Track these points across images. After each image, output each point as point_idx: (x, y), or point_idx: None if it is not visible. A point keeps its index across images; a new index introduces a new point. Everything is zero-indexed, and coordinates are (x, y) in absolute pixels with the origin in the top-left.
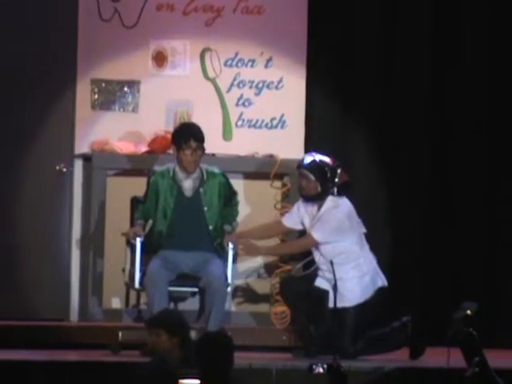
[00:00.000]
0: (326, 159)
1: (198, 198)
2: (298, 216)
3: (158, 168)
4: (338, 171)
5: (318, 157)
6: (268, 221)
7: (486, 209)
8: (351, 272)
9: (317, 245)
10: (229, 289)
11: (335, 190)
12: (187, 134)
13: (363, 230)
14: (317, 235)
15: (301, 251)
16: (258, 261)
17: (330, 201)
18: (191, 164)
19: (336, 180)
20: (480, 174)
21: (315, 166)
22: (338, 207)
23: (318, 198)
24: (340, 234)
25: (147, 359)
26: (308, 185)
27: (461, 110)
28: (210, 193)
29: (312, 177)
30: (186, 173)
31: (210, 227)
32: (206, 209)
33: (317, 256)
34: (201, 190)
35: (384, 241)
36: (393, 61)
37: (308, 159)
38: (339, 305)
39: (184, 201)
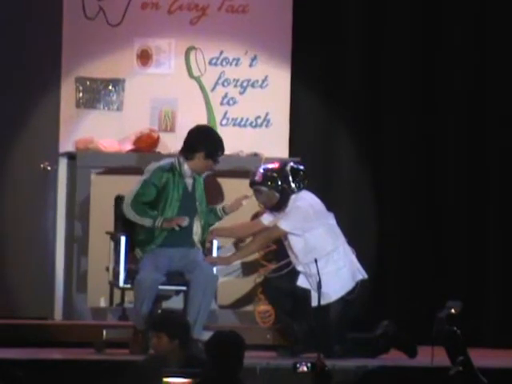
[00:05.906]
0: (271, 165)
1: (194, 193)
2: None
3: (158, 164)
4: (288, 169)
5: (263, 167)
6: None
7: (475, 206)
8: (326, 267)
9: (284, 235)
10: (218, 283)
11: (295, 188)
12: (222, 149)
13: (332, 221)
14: (283, 224)
15: (268, 243)
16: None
17: (292, 199)
18: (207, 171)
19: (290, 179)
20: (465, 173)
21: (262, 178)
22: (299, 199)
23: (281, 204)
24: (307, 222)
25: (135, 357)
26: (265, 197)
27: (450, 105)
28: (200, 188)
29: (264, 188)
30: (193, 173)
31: (202, 222)
32: (197, 203)
33: (292, 258)
34: (195, 185)
35: (369, 238)
36: (379, 58)
37: (254, 175)
38: (321, 302)
39: (187, 197)
